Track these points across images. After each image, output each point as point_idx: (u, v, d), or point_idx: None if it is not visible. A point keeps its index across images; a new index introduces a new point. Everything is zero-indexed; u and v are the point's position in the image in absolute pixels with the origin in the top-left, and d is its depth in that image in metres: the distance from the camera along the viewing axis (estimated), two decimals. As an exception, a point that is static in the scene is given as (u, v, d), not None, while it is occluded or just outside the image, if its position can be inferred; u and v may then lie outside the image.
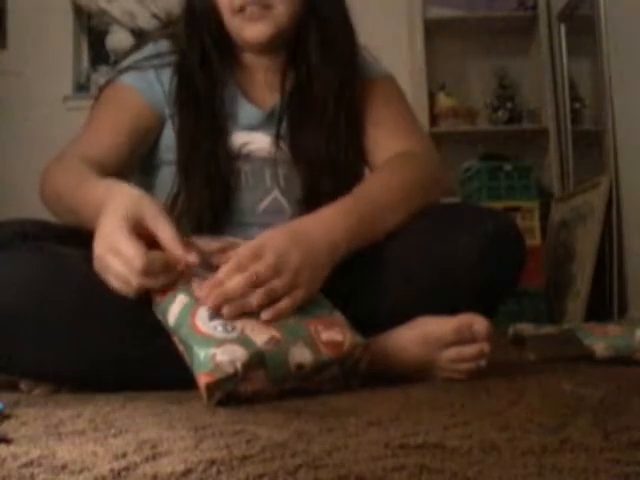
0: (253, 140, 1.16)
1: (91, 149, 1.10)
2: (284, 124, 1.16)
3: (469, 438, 0.57)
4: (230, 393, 0.79)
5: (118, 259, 0.83)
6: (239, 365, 0.78)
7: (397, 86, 1.27)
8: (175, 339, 0.85)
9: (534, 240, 2.73)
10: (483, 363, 0.95)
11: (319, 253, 0.92)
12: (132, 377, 0.92)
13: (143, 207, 0.87)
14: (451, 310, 0.96)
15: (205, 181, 1.11)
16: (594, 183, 2.68)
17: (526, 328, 1.66)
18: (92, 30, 3.46)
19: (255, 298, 0.84)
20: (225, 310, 0.83)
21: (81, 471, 0.49)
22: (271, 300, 0.85)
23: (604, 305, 2.53)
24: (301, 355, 0.82)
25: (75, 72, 3.39)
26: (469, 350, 0.94)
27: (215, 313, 0.83)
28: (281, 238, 0.90)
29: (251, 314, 0.84)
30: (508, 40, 3.39)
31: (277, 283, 0.86)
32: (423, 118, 3.18)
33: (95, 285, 0.90)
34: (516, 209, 2.78)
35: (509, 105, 3.33)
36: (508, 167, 2.88)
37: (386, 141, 1.17)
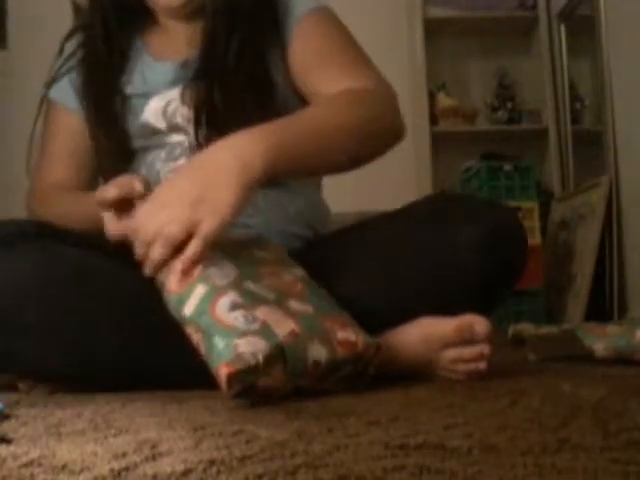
0: (171, 98, 1.15)
1: (56, 176, 1.22)
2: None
3: (469, 438, 0.57)
4: (247, 387, 0.78)
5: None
6: (260, 357, 0.77)
7: (334, 18, 1.17)
8: (190, 330, 0.83)
9: (534, 240, 2.73)
10: (482, 366, 0.94)
11: (222, 176, 0.86)
12: (133, 375, 0.92)
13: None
14: (451, 305, 0.96)
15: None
16: (594, 183, 2.68)
17: (526, 328, 1.66)
18: (92, 30, 3.46)
19: (155, 252, 0.84)
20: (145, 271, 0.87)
21: (81, 471, 0.49)
22: (173, 245, 0.84)
23: (604, 305, 2.53)
24: (318, 352, 0.82)
25: (75, 72, 3.39)
26: (469, 351, 0.94)
27: (235, 304, 0.82)
28: (175, 177, 0.90)
29: (269, 304, 0.84)
30: (508, 40, 3.39)
31: (172, 229, 0.83)
32: (423, 118, 3.18)
33: (95, 284, 0.90)
34: (516, 209, 2.78)
35: (509, 105, 3.33)
36: (508, 167, 2.88)
37: (332, 79, 1.07)
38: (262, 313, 0.82)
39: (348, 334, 0.86)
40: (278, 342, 0.79)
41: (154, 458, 0.52)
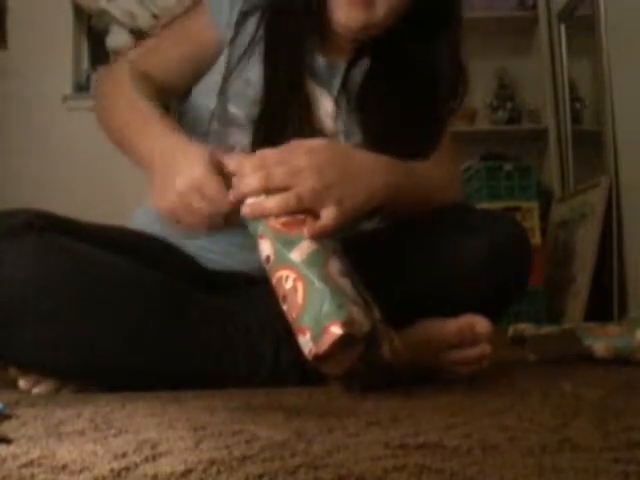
0: (328, 101, 1.14)
1: (149, 66, 1.14)
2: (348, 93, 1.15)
3: (469, 438, 0.57)
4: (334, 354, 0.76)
5: (201, 198, 0.86)
6: (365, 332, 0.76)
7: None
8: (285, 273, 0.80)
9: (534, 240, 2.73)
10: (485, 364, 0.95)
11: (360, 180, 0.91)
12: (138, 372, 0.92)
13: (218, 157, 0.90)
14: (455, 314, 0.96)
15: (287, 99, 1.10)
16: (594, 183, 2.68)
17: (526, 328, 1.66)
18: (92, 30, 3.46)
19: (270, 201, 0.83)
20: (242, 209, 0.84)
21: (81, 471, 0.49)
22: (289, 209, 0.83)
23: (604, 305, 2.53)
24: (386, 351, 0.81)
25: (75, 72, 3.39)
26: (471, 353, 0.94)
27: (342, 271, 0.81)
28: (321, 151, 0.89)
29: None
30: (508, 40, 3.39)
31: (299, 190, 0.84)
32: (423, 118, 3.18)
33: (100, 277, 0.90)
34: (516, 209, 2.78)
35: (509, 105, 3.33)
36: (508, 167, 2.88)
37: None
38: (362, 292, 0.81)
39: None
40: (370, 327, 0.78)
41: (154, 458, 0.52)
